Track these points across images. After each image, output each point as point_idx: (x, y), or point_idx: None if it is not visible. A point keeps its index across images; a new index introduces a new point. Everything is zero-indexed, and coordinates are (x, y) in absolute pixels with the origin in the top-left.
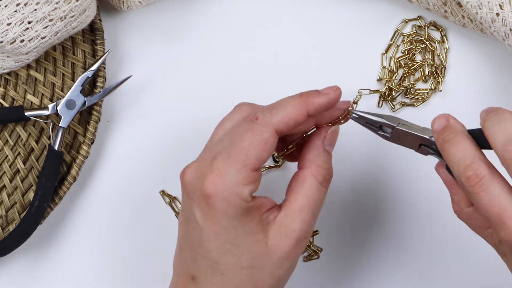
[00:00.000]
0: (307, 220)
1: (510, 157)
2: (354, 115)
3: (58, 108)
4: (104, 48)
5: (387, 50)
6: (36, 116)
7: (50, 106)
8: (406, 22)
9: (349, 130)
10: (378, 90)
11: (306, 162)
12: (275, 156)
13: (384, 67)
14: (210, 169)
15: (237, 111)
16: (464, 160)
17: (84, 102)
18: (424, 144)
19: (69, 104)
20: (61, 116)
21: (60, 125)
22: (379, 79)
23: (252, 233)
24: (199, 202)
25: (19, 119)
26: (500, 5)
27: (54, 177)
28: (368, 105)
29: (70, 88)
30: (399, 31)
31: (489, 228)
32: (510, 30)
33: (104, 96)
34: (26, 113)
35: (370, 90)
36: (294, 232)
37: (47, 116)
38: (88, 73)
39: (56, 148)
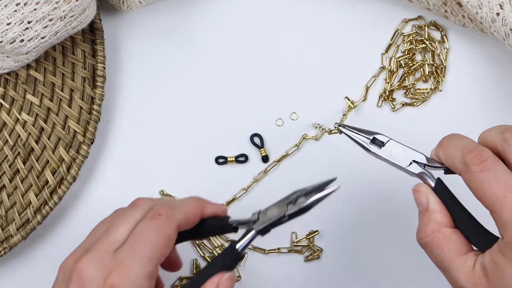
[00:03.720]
0: None
1: None
2: (343, 129)
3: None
4: (104, 48)
5: (387, 50)
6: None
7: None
8: (406, 22)
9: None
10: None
11: None
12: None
13: (383, 67)
14: (114, 262)
15: (135, 207)
16: (467, 146)
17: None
18: (416, 161)
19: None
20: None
21: (253, 226)
22: (374, 76)
23: None
24: None
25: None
26: (500, 5)
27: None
28: (368, 105)
29: (70, 88)
30: (399, 31)
31: (464, 255)
32: (510, 30)
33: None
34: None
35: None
36: None
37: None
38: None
39: (237, 247)
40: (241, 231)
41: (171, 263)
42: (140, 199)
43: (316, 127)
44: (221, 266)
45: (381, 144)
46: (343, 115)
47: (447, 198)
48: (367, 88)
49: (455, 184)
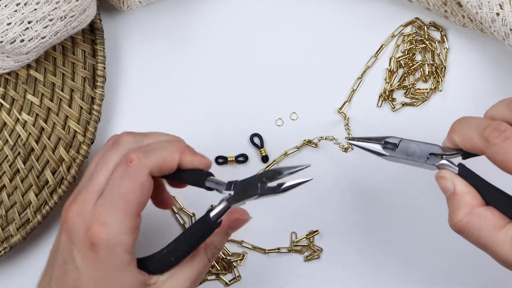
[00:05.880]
0: (187, 287)
1: None
2: (354, 142)
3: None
4: (104, 48)
5: (377, 52)
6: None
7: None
8: (404, 26)
9: (351, 134)
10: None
11: None
12: None
13: (368, 66)
14: (94, 216)
15: (116, 147)
16: (481, 124)
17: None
18: (433, 154)
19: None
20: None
21: (229, 199)
22: (359, 78)
23: None
24: (81, 248)
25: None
26: (500, 5)
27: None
28: (367, 105)
29: (70, 88)
30: (394, 36)
31: (503, 228)
32: (510, 30)
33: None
34: (207, 184)
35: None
36: None
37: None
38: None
39: (211, 216)
40: (218, 197)
41: (161, 201)
42: (123, 136)
43: (331, 140)
44: (194, 235)
45: (394, 147)
46: (346, 125)
47: (474, 179)
48: (353, 91)
49: (477, 167)
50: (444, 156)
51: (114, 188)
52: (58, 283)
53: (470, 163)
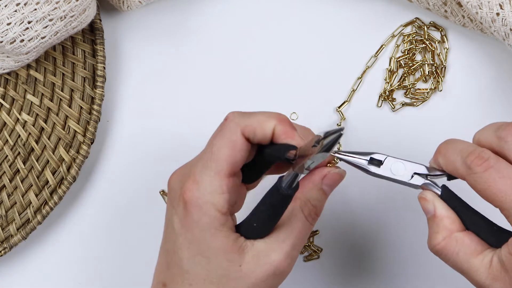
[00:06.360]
0: (288, 251)
1: None
2: (340, 156)
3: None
4: (104, 48)
5: (377, 52)
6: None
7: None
8: (404, 26)
9: (351, 134)
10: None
11: (298, 193)
12: None
13: (368, 66)
14: (188, 175)
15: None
16: (466, 149)
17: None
18: (418, 173)
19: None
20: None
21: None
22: (359, 78)
23: (224, 251)
24: (177, 209)
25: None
26: (500, 5)
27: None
28: (367, 105)
29: (70, 88)
30: (394, 36)
31: (480, 254)
32: (510, 30)
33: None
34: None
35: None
36: (273, 262)
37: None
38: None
39: (283, 186)
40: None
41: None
42: (230, 113)
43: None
44: (268, 202)
45: (379, 163)
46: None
47: (455, 203)
48: (353, 91)
49: (461, 189)
50: (428, 177)
51: (208, 147)
52: (163, 248)
53: (455, 184)
